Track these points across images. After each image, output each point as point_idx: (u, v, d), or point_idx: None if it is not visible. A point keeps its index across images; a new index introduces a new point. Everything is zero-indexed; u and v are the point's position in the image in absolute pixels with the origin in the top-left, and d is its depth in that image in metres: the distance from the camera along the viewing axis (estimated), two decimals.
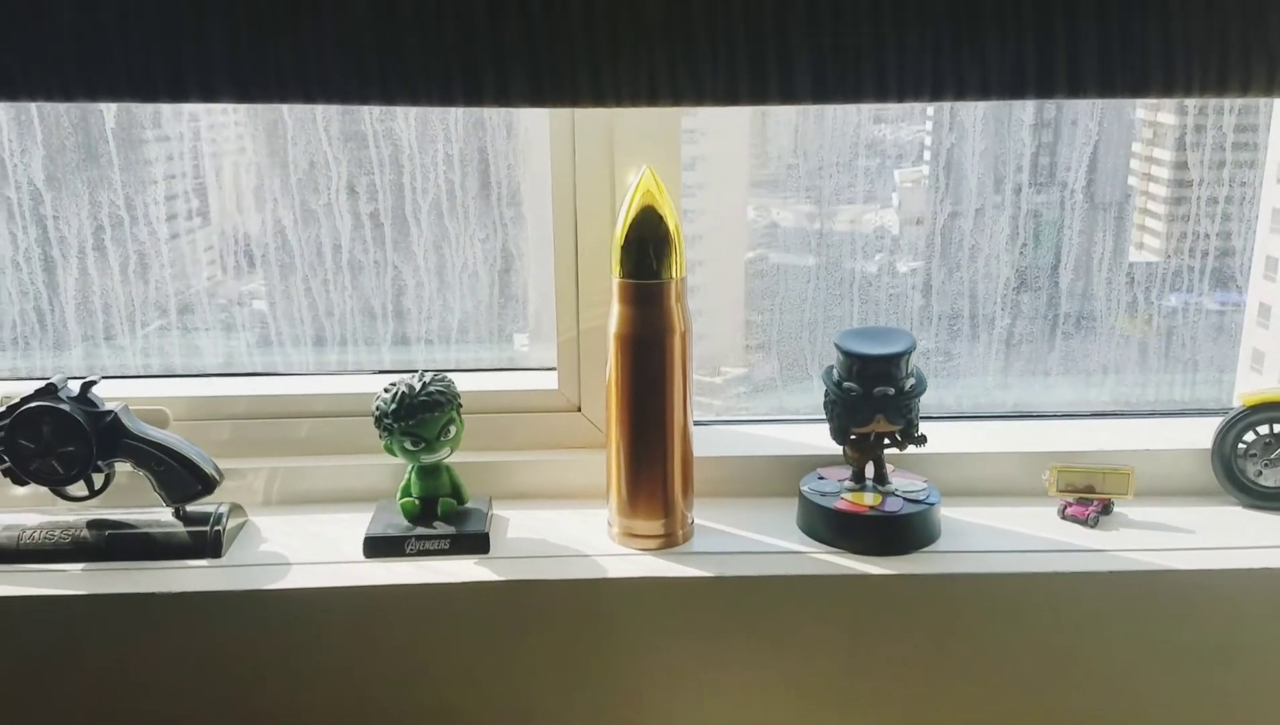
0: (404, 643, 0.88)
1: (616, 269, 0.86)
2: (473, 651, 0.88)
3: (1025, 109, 1.05)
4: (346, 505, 0.98)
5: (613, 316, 0.88)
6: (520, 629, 0.88)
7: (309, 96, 0.69)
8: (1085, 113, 1.06)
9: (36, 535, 0.89)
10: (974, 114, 1.06)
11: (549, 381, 1.04)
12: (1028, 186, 1.07)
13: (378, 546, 0.90)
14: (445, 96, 0.70)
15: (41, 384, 0.88)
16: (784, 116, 1.08)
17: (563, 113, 0.94)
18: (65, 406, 0.86)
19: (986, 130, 1.06)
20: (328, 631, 0.87)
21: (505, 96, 0.70)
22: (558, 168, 0.96)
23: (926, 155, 1.11)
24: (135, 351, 1.06)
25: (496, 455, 1.01)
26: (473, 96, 0.70)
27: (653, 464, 0.89)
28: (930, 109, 1.09)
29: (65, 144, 1.00)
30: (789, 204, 1.12)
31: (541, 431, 1.03)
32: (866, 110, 1.06)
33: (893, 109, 1.06)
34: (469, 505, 0.94)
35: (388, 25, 0.69)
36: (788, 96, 0.70)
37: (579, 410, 1.03)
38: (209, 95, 0.70)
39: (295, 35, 0.68)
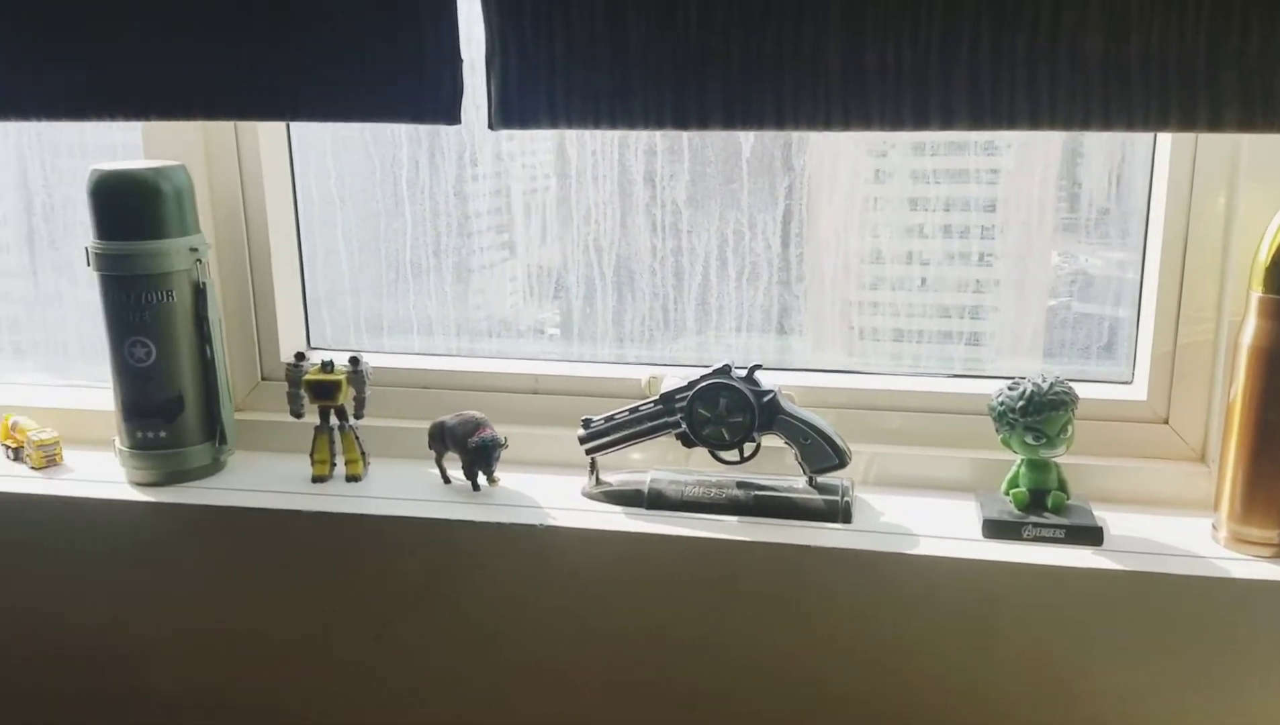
0: (1019, 620, 0.96)
1: (1259, 286, 0.91)
2: (1084, 636, 0.95)
3: None
4: (931, 492, 1.10)
5: (1248, 331, 0.92)
6: (1135, 620, 0.94)
7: (1037, 123, 0.81)
8: None
9: (696, 490, 1.07)
10: None
11: (1132, 393, 1.09)
12: None
13: (997, 529, 1.00)
14: (1161, 122, 0.79)
15: (717, 366, 1.06)
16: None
17: (1185, 139, 1.00)
18: (737, 385, 1.04)
19: None
20: (949, 600, 0.97)
21: (1218, 124, 0.78)
22: (1173, 190, 1.02)
23: None
24: (739, 346, 1.24)
25: (1078, 458, 1.08)
26: (1186, 123, 0.78)
27: (1276, 472, 0.93)
28: None
29: (706, 170, 1.20)
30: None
31: (1122, 440, 1.09)
32: None
33: None
34: (1071, 502, 1.02)
35: (1115, 61, 0.79)
36: None
37: (1166, 422, 1.07)
38: (924, 124, 0.84)
39: (1031, 70, 0.80)
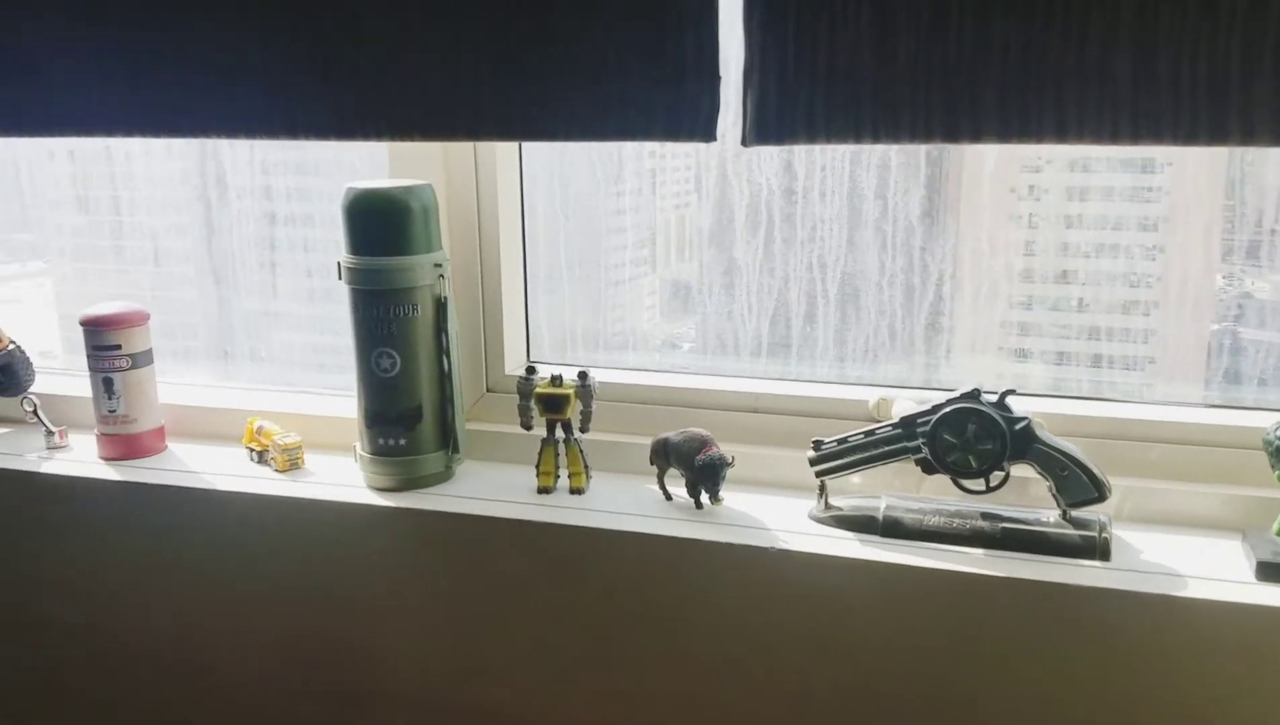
0: None
1: None
2: None
3: None
4: (1191, 529, 1.03)
5: None
6: None
7: None
8: None
9: (936, 519, 1.03)
10: None
11: None
12: None
13: (1272, 572, 0.92)
14: None
15: (965, 389, 1.02)
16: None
17: None
18: (988, 410, 1.00)
19: None
20: (1220, 644, 0.91)
21: None
22: None
23: None
24: (969, 368, 1.19)
25: None
26: None
27: None
28: None
29: (943, 185, 1.17)
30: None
31: None
32: None
33: None
34: None
35: None
36: None
37: None
38: (1221, 138, 0.78)
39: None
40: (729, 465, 1.10)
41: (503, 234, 1.24)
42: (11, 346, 1.34)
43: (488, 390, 1.29)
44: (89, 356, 1.26)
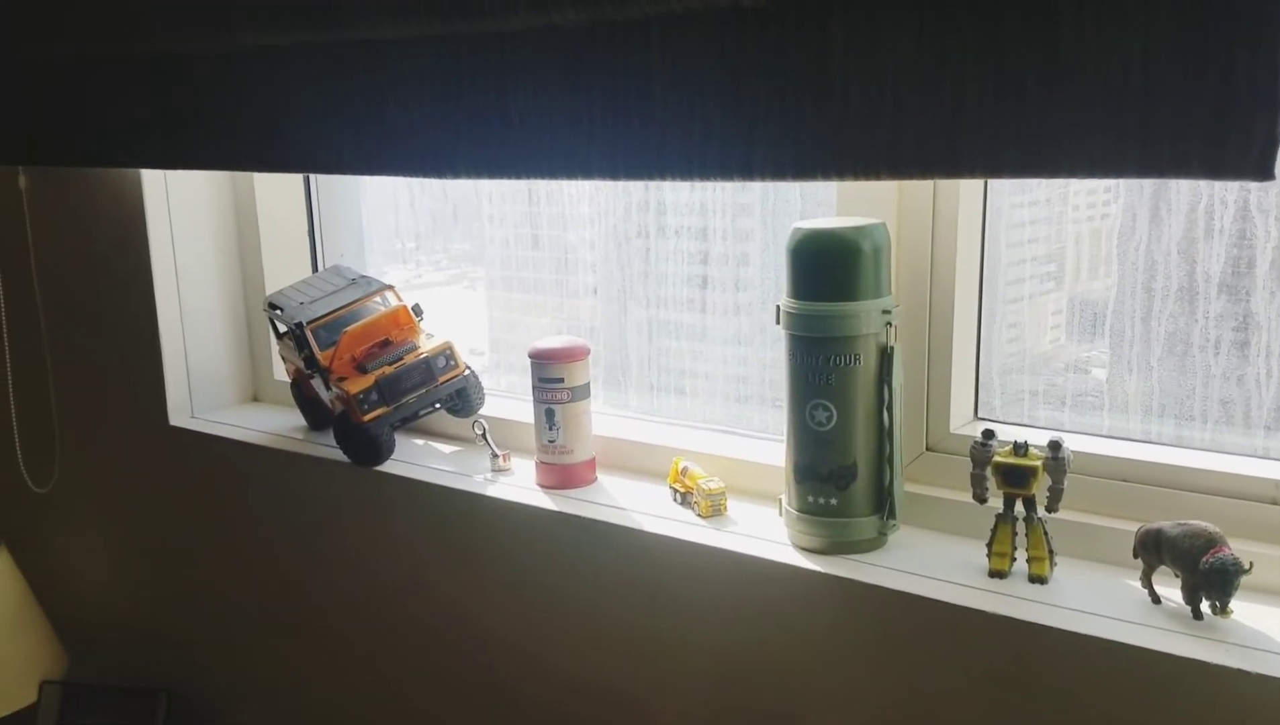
0: None
1: None
2: None
3: None
4: None
5: None
6: None
7: None
8: None
9: None
10: None
11: None
12: None
13: None
14: None
15: None
16: None
17: None
18: None
19: None
20: None
21: None
22: None
23: None
24: None
25: None
26: None
27: None
28: None
29: None
30: None
31: None
32: None
33: None
34: None
35: None
36: None
37: None
38: None
39: None
40: (1245, 572, 0.88)
41: (959, 276, 1.10)
42: (467, 372, 1.43)
43: (927, 449, 1.16)
44: (534, 387, 1.30)
